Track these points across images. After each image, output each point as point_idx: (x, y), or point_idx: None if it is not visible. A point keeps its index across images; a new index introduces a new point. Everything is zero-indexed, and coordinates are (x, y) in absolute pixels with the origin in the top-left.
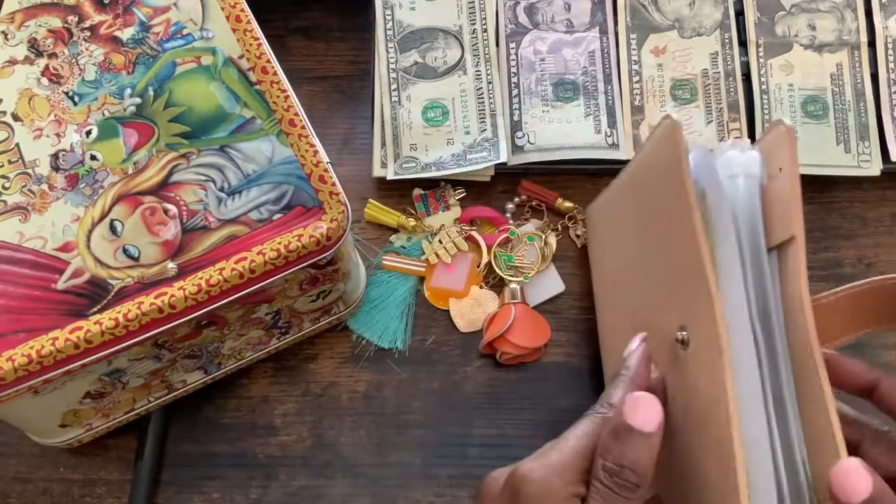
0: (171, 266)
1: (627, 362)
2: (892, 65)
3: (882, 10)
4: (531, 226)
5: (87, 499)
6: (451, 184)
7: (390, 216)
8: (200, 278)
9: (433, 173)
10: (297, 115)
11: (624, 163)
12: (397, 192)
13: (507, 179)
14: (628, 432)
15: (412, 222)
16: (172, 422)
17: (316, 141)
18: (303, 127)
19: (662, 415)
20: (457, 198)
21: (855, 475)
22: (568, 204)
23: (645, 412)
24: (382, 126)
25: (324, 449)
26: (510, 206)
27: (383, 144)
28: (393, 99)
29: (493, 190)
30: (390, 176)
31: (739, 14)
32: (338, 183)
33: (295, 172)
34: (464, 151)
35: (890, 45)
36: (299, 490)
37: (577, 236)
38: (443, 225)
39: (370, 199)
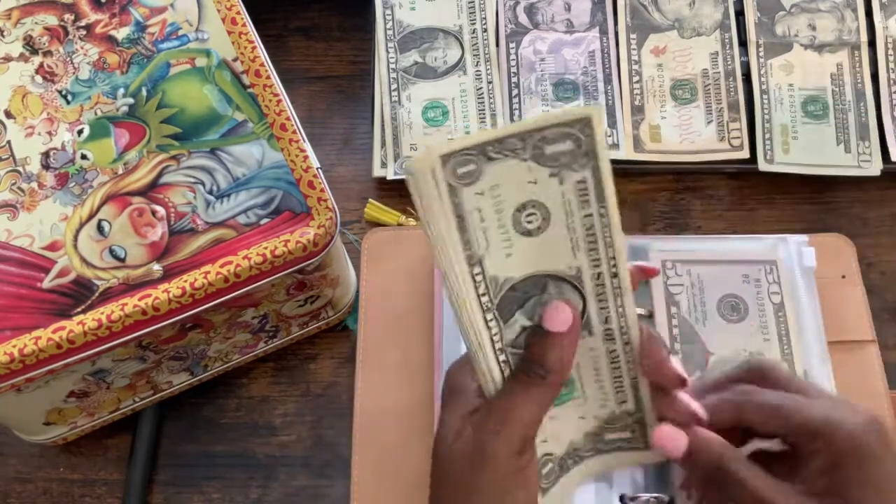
0: (157, 268)
1: None
2: (892, 65)
3: (882, 9)
4: None
5: (87, 499)
6: None
7: (390, 216)
8: (185, 281)
9: None
10: (288, 119)
11: (623, 163)
12: (397, 192)
13: None
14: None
15: (412, 222)
16: (172, 422)
17: (307, 146)
18: (294, 131)
19: (570, 317)
20: None
21: (671, 436)
22: None
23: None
24: (382, 126)
25: (324, 449)
26: None
27: (383, 144)
28: (393, 99)
29: None
30: (390, 176)
31: (739, 14)
32: (327, 188)
33: (284, 177)
34: None
35: (890, 45)
36: (299, 490)
37: None
38: None
39: (370, 199)
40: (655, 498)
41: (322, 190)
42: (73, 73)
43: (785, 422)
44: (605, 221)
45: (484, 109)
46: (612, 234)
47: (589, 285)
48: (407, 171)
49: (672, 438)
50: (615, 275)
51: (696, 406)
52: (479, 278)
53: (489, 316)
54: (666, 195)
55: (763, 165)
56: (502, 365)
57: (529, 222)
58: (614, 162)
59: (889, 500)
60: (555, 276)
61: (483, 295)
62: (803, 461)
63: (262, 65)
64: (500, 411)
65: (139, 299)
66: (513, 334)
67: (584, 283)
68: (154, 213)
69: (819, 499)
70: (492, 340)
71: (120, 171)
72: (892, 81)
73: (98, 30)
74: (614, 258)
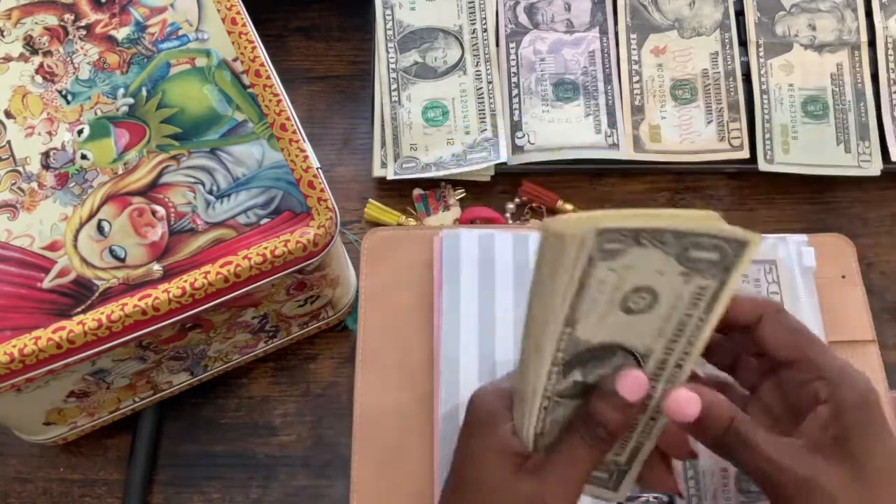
0: (157, 268)
1: None
2: (892, 65)
3: (882, 9)
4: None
5: (87, 499)
6: (451, 184)
7: (390, 216)
8: (185, 281)
9: (433, 173)
10: (288, 119)
11: (624, 163)
12: (397, 192)
13: (506, 179)
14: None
15: (412, 222)
16: (172, 422)
17: (307, 146)
18: (294, 131)
19: (646, 389)
20: (457, 198)
21: (685, 400)
22: (569, 206)
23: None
24: (382, 126)
25: (324, 449)
26: (510, 206)
27: (383, 144)
28: (393, 99)
29: (492, 190)
30: (390, 176)
31: (739, 14)
32: (327, 188)
33: (284, 177)
34: (464, 151)
35: (890, 45)
36: (299, 490)
37: None
38: (442, 225)
39: (370, 199)
40: (655, 498)
41: (322, 190)
42: (73, 73)
43: (803, 353)
44: (699, 326)
45: (484, 109)
46: (699, 339)
47: (651, 366)
48: (551, 231)
49: (686, 402)
50: (679, 366)
51: (679, 484)
52: (565, 337)
53: (555, 369)
54: (666, 195)
55: (763, 165)
56: (542, 410)
57: (635, 303)
58: (614, 162)
59: (891, 447)
60: (626, 348)
61: (559, 351)
62: (802, 413)
63: (262, 65)
64: (563, 468)
65: (139, 299)
66: (564, 386)
67: (649, 363)
68: (154, 213)
69: (824, 454)
70: (545, 389)
71: (120, 171)
72: (892, 81)
73: (98, 30)
74: (688, 354)
